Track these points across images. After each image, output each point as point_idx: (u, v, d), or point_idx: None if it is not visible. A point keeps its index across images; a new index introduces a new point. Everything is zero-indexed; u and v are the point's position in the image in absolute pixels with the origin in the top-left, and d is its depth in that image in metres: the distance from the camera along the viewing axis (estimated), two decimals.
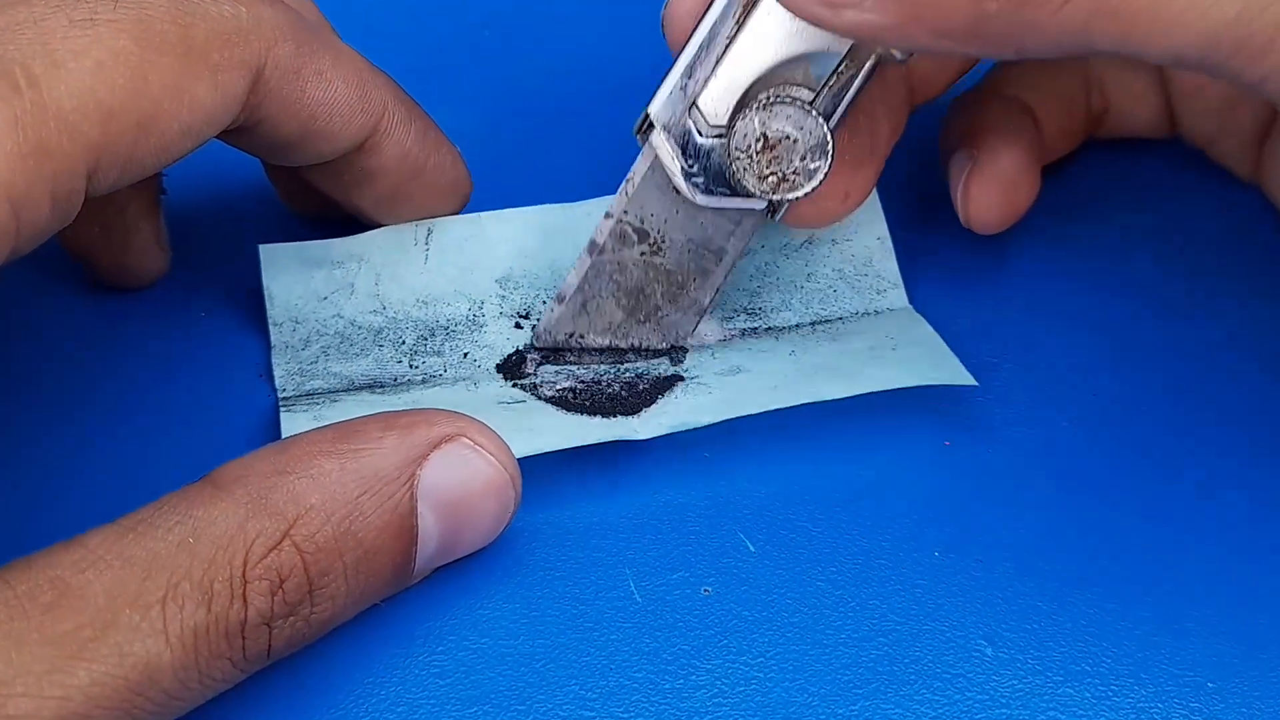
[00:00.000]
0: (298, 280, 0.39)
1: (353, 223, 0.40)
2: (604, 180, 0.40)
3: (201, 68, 0.32)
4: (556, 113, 0.47)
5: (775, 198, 0.35)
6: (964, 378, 0.37)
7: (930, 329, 0.39)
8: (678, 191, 0.36)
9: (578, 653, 0.32)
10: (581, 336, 0.38)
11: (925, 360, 0.37)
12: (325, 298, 0.39)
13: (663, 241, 0.38)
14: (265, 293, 0.39)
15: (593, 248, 0.38)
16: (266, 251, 0.39)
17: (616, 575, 0.34)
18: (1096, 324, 0.41)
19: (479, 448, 0.32)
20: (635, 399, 0.37)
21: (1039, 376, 0.39)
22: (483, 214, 0.40)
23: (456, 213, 0.40)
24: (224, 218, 0.43)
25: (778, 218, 0.37)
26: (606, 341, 0.38)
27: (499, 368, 0.39)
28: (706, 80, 0.35)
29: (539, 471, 0.35)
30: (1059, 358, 0.40)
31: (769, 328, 0.40)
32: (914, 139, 0.42)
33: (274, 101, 0.34)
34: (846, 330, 0.40)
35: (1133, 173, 0.45)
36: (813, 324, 0.40)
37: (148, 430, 0.37)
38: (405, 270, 0.39)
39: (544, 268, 0.40)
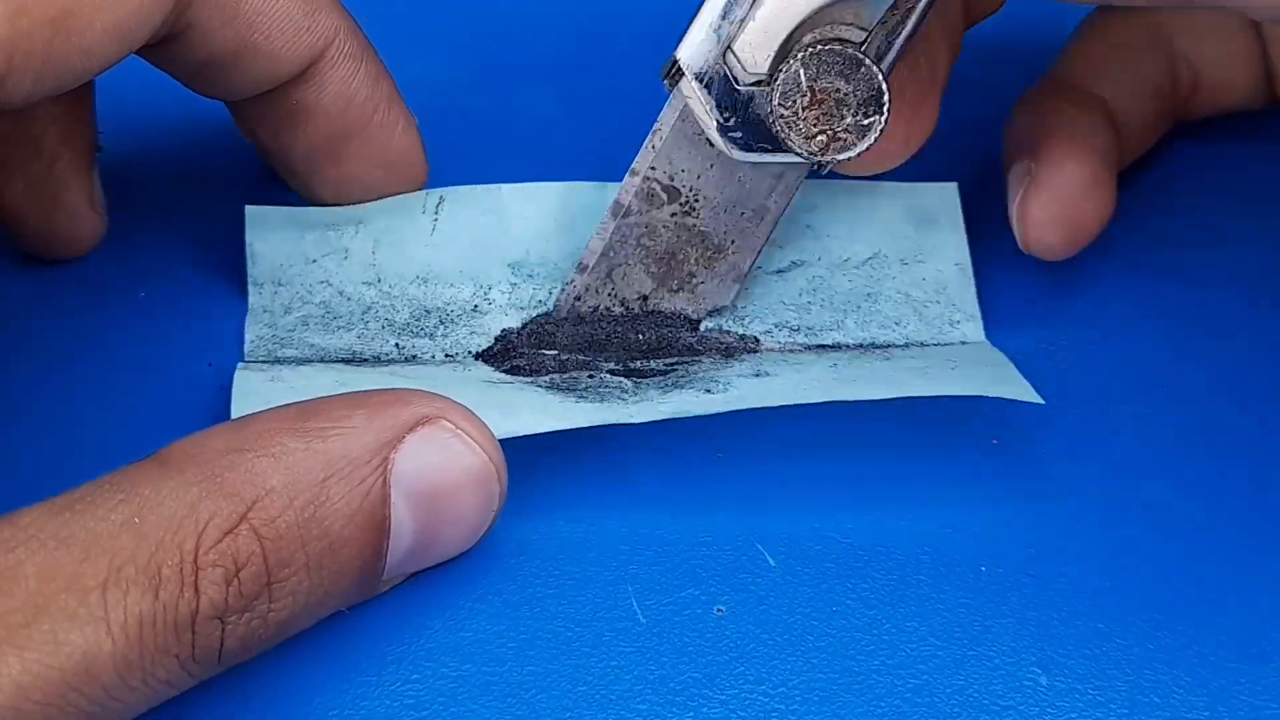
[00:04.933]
0: (285, 239, 0.37)
1: None
2: (603, 157, 0.39)
3: None
4: (544, 73, 0.46)
5: (825, 159, 0.34)
6: (1028, 394, 0.34)
7: (1003, 355, 0.36)
8: (712, 145, 0.35)
9: (573, 681, 0.31)
10: (607, 309, 0.37)
11: (986, 375, 0.35)
12: (314, 261, 0.37)
13: (696, 200, 0.36)
14: (248, 250, 0.37)
15: (617, 209, 0.36)
16: (253, 213, 0.38)
17: (617, 593, 0.33)
18: (1162, 307, 0.40)
19: (461, 432, 0.30)
20: (636, 388, 0.36)
21: (1098, 364, 0.38)
22: (504, 185, 0.38)
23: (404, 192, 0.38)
24: (166, 185, 0.42)
25: (825, 171, 0.35)
26: (636, 311, 0.37)
27: (478, 355, 0.37)
28: (743, 22, 0.33)
29: (529, 472, 0.34)
30: (1120, 343, 0.39)
31: (813, 345, 0.38)
32: (963, 107, 0.40)
33: (207, 2, 0.33)
34: (904, 354, 0.37)
35: (1218, 148, 0.44)
36: (865, 346, 0.38)
37: (78, 420, 0.36)
38: (408, 239, 0.38)
39: (565, 255, 0.38)
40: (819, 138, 0.33)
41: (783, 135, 0.33)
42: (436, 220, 0.38)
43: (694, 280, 0.37)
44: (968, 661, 0.31)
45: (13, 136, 0.36)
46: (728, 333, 0.37)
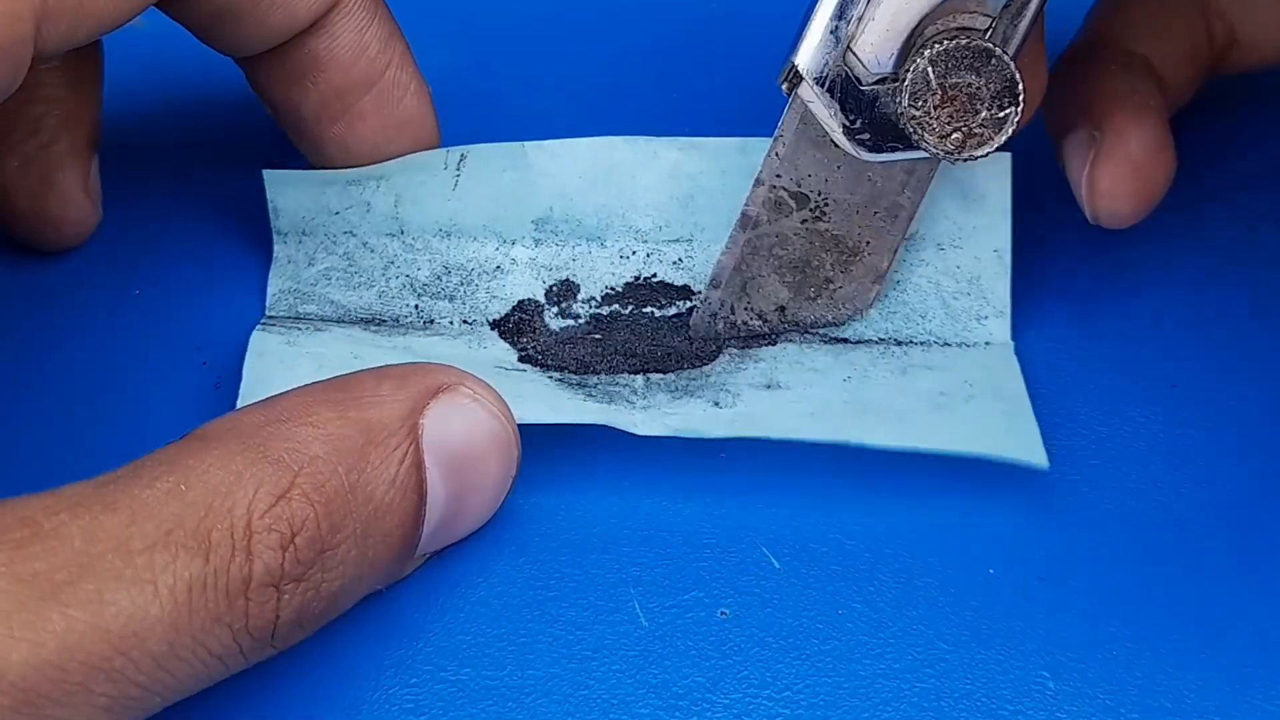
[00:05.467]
0: (307, 195, 0.38)
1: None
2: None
3: None
4: (562, 50, 0.46)
5: (962, 156, 0.33)
6: (1035, 454, 0.33)
7: (1020, 381, 0.36)
8: (838, 148, 0.34)
9: (574, 686, 0.31)
10: (745, 323, 0.37)
11: (998, 423, 0.34)
12: (338, 213, 0.38)
13: (825, 205, 0.36)
14: (270, 206, 0.38)
15: (745, 221, 0.36)
16: (271, 176, 0.38)
17: (619, 595, 0.33)
18: (1171, 305, 0.39)
19: (479, 398, 0.31)
20: (646, 387, 0.36)
21: (1112, 363, 0.38)
22: (527, 143, 0.38)
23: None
24: (162, 182, 0.42)
25: (957, 165, 0.34)
26: (774, 324, 0.37)
27: (494, 324, 0.37)
28: (862, 20, 0.33)
29: (528, 473, 0.33)
30: (1137, 340, 0.38)
31: (832, 338, 0.37)
32: None
33: None
34: (922, 362, 0.36)
35: (1240, 145, 0.43)
36: (886, 342, 0.37)
37: (74, 420, 0.36)
38: (430, 194, 0.38)
39: (590, 213, 0.38)
40: (954, 135, 0.33)
41: (915, 136, 0.33)
42: (459, 176, 0.38)
43: (831, 286, 0.36)
44: (975, 665, 0.31)
45: (14, 114, 0.36)
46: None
